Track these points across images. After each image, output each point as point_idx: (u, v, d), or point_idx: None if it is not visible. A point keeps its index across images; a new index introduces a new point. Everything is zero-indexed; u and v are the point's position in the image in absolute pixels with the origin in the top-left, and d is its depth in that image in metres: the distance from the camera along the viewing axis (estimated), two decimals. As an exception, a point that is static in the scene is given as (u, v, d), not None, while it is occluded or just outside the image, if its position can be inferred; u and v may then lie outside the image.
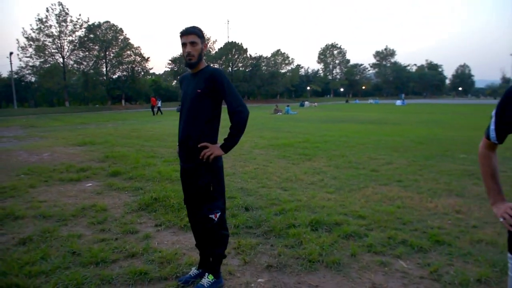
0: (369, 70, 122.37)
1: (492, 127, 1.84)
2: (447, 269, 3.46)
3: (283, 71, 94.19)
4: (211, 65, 3.24)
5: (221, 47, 79.27)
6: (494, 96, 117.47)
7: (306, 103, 56.81)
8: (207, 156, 2.85)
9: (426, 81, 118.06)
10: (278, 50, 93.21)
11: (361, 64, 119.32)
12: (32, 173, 7.72)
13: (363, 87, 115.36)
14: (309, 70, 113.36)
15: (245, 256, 3.67)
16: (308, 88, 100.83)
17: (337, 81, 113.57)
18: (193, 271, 3.25)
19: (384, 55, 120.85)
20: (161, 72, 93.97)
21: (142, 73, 68.59)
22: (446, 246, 3.97)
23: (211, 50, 78.04)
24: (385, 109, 43.41)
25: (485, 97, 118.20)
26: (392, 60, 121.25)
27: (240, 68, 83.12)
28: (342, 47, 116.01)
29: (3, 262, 3.43)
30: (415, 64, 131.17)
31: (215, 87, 2.87)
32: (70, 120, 27.51)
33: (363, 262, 3.63)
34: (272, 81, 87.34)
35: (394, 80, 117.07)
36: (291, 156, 9.67)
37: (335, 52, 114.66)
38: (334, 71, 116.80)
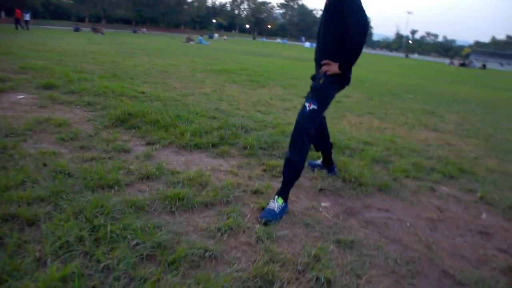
0: (276, 10, 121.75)
1: None
2: (492, 195, 3.31)
3: (189, 0, 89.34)
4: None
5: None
6: (389, 49, 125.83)
7: (216, 35, 54.98)
8: (323, 71, 2.73)
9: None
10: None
11: (269, 3, 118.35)
12: None
13: (269, 26, 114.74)
14: (216, 3, 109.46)
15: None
16: (214, 21, 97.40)
17: (244, 17, 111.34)
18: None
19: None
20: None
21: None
22: (471, 174, 3.86)
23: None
24: (297, 49, 43.75)
25: (381, 49, 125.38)
26: (300, 3, 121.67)
27: (144, -9, 76.62)
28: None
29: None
30: (320, 9, 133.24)
31: None
32: None
33: (411, 187, 3.35)
34: (178, 9, 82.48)
35: (300, 23, 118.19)
36: (241, 82, 8.98)
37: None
38: (241, 7, 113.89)
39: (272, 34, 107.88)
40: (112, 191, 2.56)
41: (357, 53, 2.58)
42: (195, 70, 10.58)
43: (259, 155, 3.69)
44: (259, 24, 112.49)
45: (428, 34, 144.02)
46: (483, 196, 3.26)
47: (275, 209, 2.48)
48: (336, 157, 3.69)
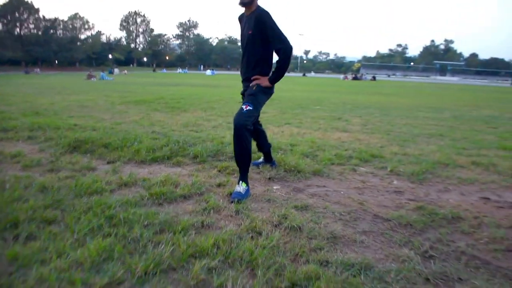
0: (173, 41, 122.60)
1: None
2: (399, 169, 4.24)
3: (82, 36, 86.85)
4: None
5: (4, 3, 67.58)
6: (288, 71, 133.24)
7: (116, 70, 54.05)
8: (255, 84, 3.37)
9: (227, 54, 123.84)
10: (76, 14, 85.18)
11: (165, 34, 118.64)
12: None
13: (167, 58, 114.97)
14: (111, 38, 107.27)
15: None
16: (110, 56, 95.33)
17: (141, 51, 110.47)
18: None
19: (188, 27, 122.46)
20: None
21: None
22: (380, 158, 4.80)
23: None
24: (199, 77, 44.71)
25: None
26: (195, 32, 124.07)
27: (32, 31, 72.92)
28: (145, 15, 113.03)
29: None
30: (216, 37, 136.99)
31: (262, 28, 3.18)
32: None
33: (337, 170, 4.15)
34: (71, 46, 79.63)
35: (197, 52, 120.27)
36: (163, 109, 9.44)
37: (139, 20, 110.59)
38: (137, 40, 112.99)
39: (171, 65, 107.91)
40: (99, 196, 3.00)
41: (285, 69, 3.30)
42: (113, 103, 10.77)
43: (209, 161, 4.29)
44: (157, 56, 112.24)
45: (320, 53, 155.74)
46: (392, 170, 4.20)
47: (242, 191, 3.14)
48: (273, 155, 4.42)
